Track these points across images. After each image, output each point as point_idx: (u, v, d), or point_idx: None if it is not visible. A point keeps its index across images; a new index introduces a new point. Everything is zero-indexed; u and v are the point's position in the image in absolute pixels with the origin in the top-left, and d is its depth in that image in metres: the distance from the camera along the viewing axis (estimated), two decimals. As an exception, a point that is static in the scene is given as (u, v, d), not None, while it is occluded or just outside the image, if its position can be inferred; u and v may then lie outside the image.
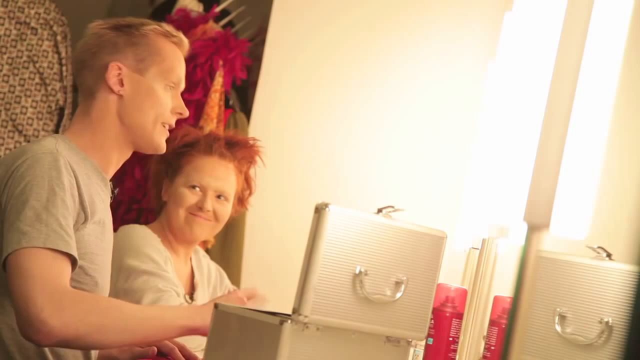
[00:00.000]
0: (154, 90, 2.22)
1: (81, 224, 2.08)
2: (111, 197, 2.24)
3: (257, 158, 2.95)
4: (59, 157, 2.07)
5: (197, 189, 2.82)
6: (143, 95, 2.21)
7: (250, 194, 2.95)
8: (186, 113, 2.27)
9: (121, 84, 2.20)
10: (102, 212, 2.16)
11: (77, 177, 2.09)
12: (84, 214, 2.09)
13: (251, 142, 2.95)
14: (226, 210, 2.86)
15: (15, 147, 3.73)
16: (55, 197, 2.02)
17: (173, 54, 2.26)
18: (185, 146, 2.86)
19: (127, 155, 2.26)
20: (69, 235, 2.02)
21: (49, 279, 1.95)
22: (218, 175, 2.84)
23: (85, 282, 2.10)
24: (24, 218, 1.99)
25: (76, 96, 3.83)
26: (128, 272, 2.67)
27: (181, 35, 2.29)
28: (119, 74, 2.20)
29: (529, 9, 1.39)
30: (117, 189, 2.28)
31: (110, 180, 2.24)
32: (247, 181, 2.93)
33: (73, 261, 2.02)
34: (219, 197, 2.84)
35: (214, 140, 2.87)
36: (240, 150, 2.89)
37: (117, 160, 2.24)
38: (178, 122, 2.29)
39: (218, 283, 2.96)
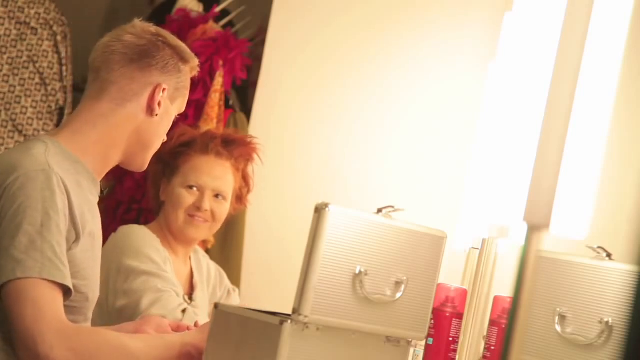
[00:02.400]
0: (171, 119, 2.22)
1: (73, 243, 2.04)
2: (99, 196, 2.20)
3: (255, 156, 2.95)
4: (52, 175, 2.00)
5: (195, 189, 2.82)
6: (166, 123, 2.21)
7: (248, 191, 2.95)
8: (166, 139, 2.27)
9: (159, 106, 2.17)
10: (92, 221, 2.12)
11: (69, 192, 2.03)
12: (75, 233, 2.04)
13: (248, 139, 2.94)
14: (224, 209, 2.85)
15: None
16: (50, 222, 1.97)
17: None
18: (181, 146, 2.85)
19: (117, 163, 2.21)
20: (64, 264, 1.97)
21: (54, 315, 1.93)
22: (215, 174, 2.84)
23: (77, 299, 2.06)
24: (18, 244, 1.94)
25: (76, 96, 3.83)
26: (127, 272, 2.66)
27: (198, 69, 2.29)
28: (162, 96, 2.16)
29: (529, 9, 1.39)
30: (107, 189, 2.26)
31: (101, 181, 2.19)
32: (244, 179, 2.93)
33: (66, 290, 1.98)
34: (216, 196, 2.83)
35: (211, 139, 2.86)
36: (237, 148, 2.88)
37: (111, 166, 2.19)
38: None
39: (218, 283, 2.96)
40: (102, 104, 2.15)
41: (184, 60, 2.21)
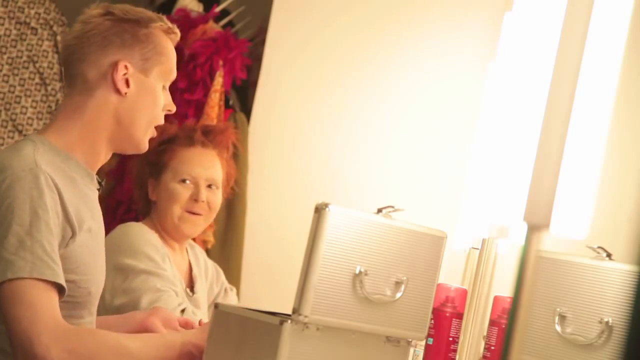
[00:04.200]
0: (155, 92, 2.15)
1: (70, 239, 2.02)
2: (98, 189, 2.17)
3: (232, 143, 2.96)
4: (39, 173, 1.98)
5: (188, 182, 2.82)
6: (145, 97, 2.14)
7: (232, 179, 2.96)
8: (174, 109, 2.21)
9: (127, 84, 2.11)
10: (90, 216, 2.10)
11: (59, 190, 2.01)
12: (70, 229, 2.02)
13: (225, 127, 2.96)
14: (218, 198, 2.86)
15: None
16: (39, 221, 1.95)
17: (172, 52, 2.19)
18: (164, 143, 2.85)
19: (111, 153, 2.18)
20: (55, 262, 1.96)
21: (50, 315, 1.92)
22: (206, 164, 2.84)
23: (79, 294, 2.06)
24: (7, 245, 1.93)
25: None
26: (126, 271, 2.66)
27: (176, 29, 2.21)
28: (126, 73, 2.11)
29: (529, 9, 1.39)
30: (104, 180, 2.24)
31: (97, 173, 2.16)
32: (228, 167, 2.94)
33: (60, 288, 1.97)
34: (209, 186, 2.84)
35: (192, 131, 2.87)
36: (216, 136, 2.89)
37: (104, 157, 2.16)
38: (170, 119, 2.26)
39: (214, 279, 2.96)
40: (73, 98, 2.13)
41: (142, 27, 2.14)
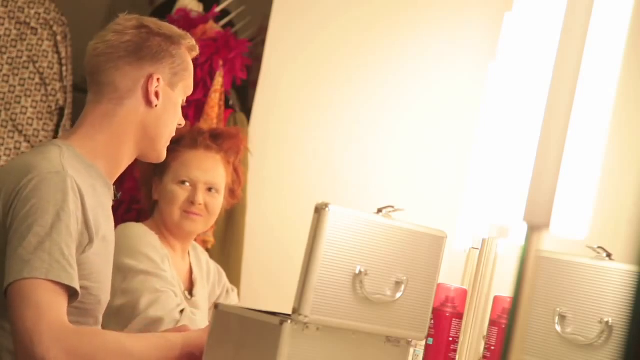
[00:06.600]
0: (177, 106, 2.22)
1: (86, 246, 2.05)
2: (113, 200, 2.21)
3: (243, 148, 2.95)
4: (66, 177, 2.02)
5: (187, 184, 2.82)
6: (171, 110, 2.21)
7: (240, 185, 2.95)
8: (184, 123, 2.29)
9: (157, 96, 2.17)
10: (105, 225, 2.13)
11: (83, 196, 2.04)
12: (88, 236, 2.05)
13: (235, 132, 2.96)
14: (217, 202, 2.85)
15: (15, 147, 3.73)
16: (60, 224, 1.97)
17: (192, 69, 2.26)
18: (170, 143, 2.85)
19: (132, 160, 2.24)
20: (71, 266, 1.97)
21: (55, 316, 1.92)
22: (206, 167, 2.84)
23: (89, 301, 2.07)
24: (27, 245, 1.95)
25: (76, 96, 3.83)
26: (125, 271, 2.66)
27: (197, 47, 2.28)
28: (157, 86, 2.17)
29: (529, 9, 1.39)
30: (120, 193, 2.27)
31: (114, 184, 2.21)
32: (236, 172, 2.93)
33: (73, 292, 1.98)
34: (209, 189, 2.84)
35: (199, 133, 2.87)
36: (225, 141, 2.89)
37: (124, 167, 2.21)
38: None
39: (217, 281, 2.96)
40: (102, 106, 2.17)
41: (174, 43, 2.21)
